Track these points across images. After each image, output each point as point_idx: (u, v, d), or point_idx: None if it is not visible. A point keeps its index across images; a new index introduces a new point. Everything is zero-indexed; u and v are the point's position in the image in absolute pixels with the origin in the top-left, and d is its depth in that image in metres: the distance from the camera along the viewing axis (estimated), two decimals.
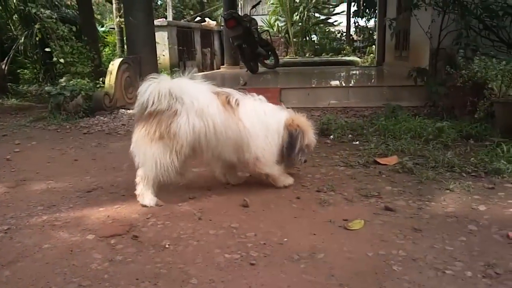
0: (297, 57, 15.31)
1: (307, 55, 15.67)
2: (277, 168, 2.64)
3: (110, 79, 5.92)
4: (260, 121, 2.53)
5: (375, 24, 13.93)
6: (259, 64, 9.83)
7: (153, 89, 2.38)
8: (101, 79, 6.42)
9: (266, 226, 2.13)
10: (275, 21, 17.79)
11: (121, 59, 6.28)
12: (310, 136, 2.69)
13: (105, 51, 10.10)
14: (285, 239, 1.99)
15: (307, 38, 17.05)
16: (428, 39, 5.36)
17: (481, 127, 3.70)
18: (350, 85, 7.15)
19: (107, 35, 11.03)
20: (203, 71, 12.29)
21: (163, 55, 10.76)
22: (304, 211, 2.31)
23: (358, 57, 13.58)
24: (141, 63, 6.60)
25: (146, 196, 2.46)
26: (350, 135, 4.01)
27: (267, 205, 2.40)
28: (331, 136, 3.99)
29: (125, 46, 8.43)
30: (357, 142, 3.76)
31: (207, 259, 1.82)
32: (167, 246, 1.95)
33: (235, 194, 2.59)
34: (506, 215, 2.18)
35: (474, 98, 3.85)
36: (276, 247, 1.92)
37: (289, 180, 2.73)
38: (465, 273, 1.66)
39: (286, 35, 17.05)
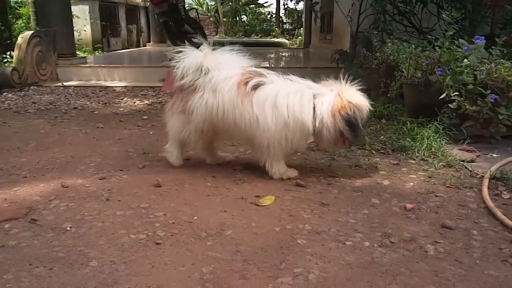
0: (226, 37, 15.18)
1: (236, 35, 15.57)
2: (282, 164, 2.46)
3: (18, 54, 5.46)
4: (278, 114, 2.29)
5: (303, 7, 14.14)
6: (186, 42, 9.60)
7: (187, 61, 2.44)
8: (8, 53, 5.90)
9: (177, 205, 2.09)
10: (204, 0, 17.44)
11: (31, 32, 5.80)
12: (365, 107, 2.39)
13: (17, 23, 9.27)
14: (195, 218, 1.96)
15: (237, 18, 16.95)
16: (349, 23, 5.54)
17: (392, 107, 3.92)
18: (275, 66, 7.20)
19: (20, 6, 10.12)
20: (129, 48, 11.77)
21: (84, 31, 10.14)
22: (217, 189, 2.30)
23: (287, 39, 13.74)
24: (56, 38, 6.14)
25: (172, 155, 2.62)
26: None
27: (181, 185, 2.36)
28: None
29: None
30: None
31: (110, 241, 1.75)
32: (68, 228, 1.84)
33: (148, 174, 2.51)
34: (406, 189, 2.33)
35: (387, 80, 4.04)
36: (185, 225, 1.89)
37: (291, 173, 2.48)
38: (363, 243, 1.74)
39: (216, 15, 16.80)
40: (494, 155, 2.81)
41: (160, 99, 5.00)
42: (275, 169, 2.44)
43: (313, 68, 6.34)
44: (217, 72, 2.42)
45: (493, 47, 3.35)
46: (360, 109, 2.34)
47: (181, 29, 8.92)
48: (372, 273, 1.54)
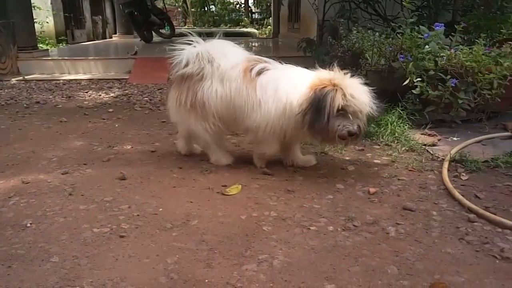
0: (195, 27, 15.00)
1: (205, 25, 15.41)
2: (273, 149, 2.38)
3: None
4: (278, 98, 2.21)
5: None
6: (153, 34, 9.43)
7: (190, 50, 2.39)
8: None
9: (142, 198, 2.06)
10: None
11: None
12: (356, 97, 2.07)
13: None
14: (160, 209, 1.94)
15: (206, 8, 16.75)
16: (315, 12, 5.56)
17: None
18: None
19: None
20: (94, 40, 11.48)
21: (47, 22, 9.81)
22: (184, 181, 2.28)
23: (256, 29, 13.70)
24: (15, 30, 5.92)
25: (179, 143, 2.69)
26: None
27: (146, 177, 2.33)
28: None
29: None
30: None
31: (73, 236, 1.71)
32: (28, 225, 1.80)
33: (113, 167, 2.47)
34: (370, 173, 2.38)
35: (353, 68, 4.08)
36: (150, 217, 1.87)
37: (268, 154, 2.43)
38: (327, 228, 1.77)
39: (184, 5, 16.56)
40: (455, 138, 2.90)
41: (127, 91, 4.91)
42: (264, 151, 2.40)
43: (282, 57, 6.36)
44: (224, 60, 2.36)
45: (453, 33, 3.44)
46: (337, 93, 2.05)
47: (147, 20, 8.78)
48: (335, 256, 1.57)
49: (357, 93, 2.09)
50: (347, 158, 2.62)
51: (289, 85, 2.22)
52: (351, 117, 2.10)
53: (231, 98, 2.31)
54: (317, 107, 2.07)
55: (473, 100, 3.04)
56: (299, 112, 2.12)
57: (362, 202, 2.02)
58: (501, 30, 3.82)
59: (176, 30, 10.25)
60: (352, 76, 2.17)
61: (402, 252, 1.59)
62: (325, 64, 4.60)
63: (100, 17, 12.32)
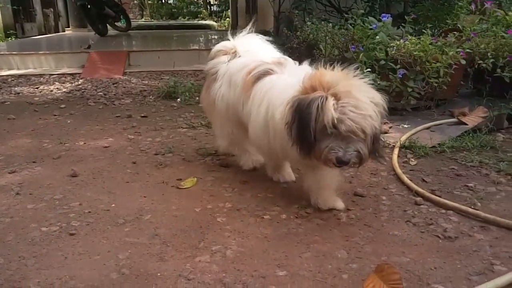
0: (152, 20, 14.70)
1: (163, 18, 15.13)
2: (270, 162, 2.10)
3: None
4: (259, 103, 1.85)
5: None
6: (108, 27, 9.17)
7: (216, 46, 2.28)
8: None
9: (94, 194, 2.02)
10: None
11: None
12: (356, 108, 1.48)
13: None
14: (113, 205, 1.91)
15: (163, 0, 16.43)
16: (271, 3, 5.58)
17: None
18: (201, 48, 7.11)
19: None
20: (46, 34, 11.03)
21: None
22: (138, 175, 2.25)
23: (215, 21, 13.60)
24: None
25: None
26: (197, 98, 4.00)
27: (99, 173, 2.28)
28: (178, 99, 3.95)
29: None
30: None
31: (19, 236, 1.66)
32: None
33: (64, 164, 2.40)
34: None
35: (308, 59, 4.14)
36: (102, 214, 1.83)
37: (285, 177, 2.13)
38: (281, 216, 1.80)
39: None
40: (405, 125, 3.00)
41: (80, 86, 4.76)
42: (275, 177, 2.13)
43: None
44: (237, 60, 2.12)
45: (403, 24, 3.55)
46: (327, 101, 1.50)
47: (101, 12, 8.51)
48: (288, 244, 1.60)
49: (358, 102, 1.49)
50: None
51: (275, 91, 1.78)
52: (346, 137, 1.51)
53: (236, 108, 2.04)
54: (301, 121, 1.54)
55: (422, 88, 3.15)
56: (285, 125, 1.62)
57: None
58: (447, 21, 3.97)
59: (132, 23, 10.02)
60: (358, 75, 1.63)
61: (352, 237, 1.64)
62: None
63: (52, 9, 11.84)
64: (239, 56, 2.14)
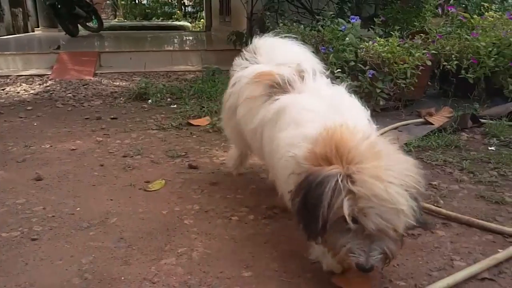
0: (125, 20, 14.50)
1: (136, 19, 14.95)
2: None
3: None
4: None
5: None
6: (80, 27, 9.00)
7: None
8: None
9: (59, 198, 1.97)
10: None
11: None
12: (384, 200, 1.09)
13: None
14: (78, 209, 1.87)
15: (137, 1, 16.23)
16: (244, 5, 5.59)
17: None
18: (174, 49, 7.06)
19: None
20: (15, 34, 10.72)
21: None
22: (105, 178, 2.21)
23: (189, 22, 13.52)
24: None
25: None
26: (169, 99, 3.98)
27: (65, 176, 2.23)
28: (149, 101, 3.90)
29: None
30: (175, 106, 3.76)
31: None
32: None
33: (29, 168, 2.34)
34: None
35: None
36: (66, 218, 1.79)
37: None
38: (249, 217, 1.80)
39: None
40: (374, 126, 3.05)
41: (48, 87, 4.64)
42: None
43: (213, 50, 6.35)
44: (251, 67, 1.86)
45: (372, 26, 3.61)
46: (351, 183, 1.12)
47: (72, 12, 8.34)
48: (255, 244, 1.60)
49: (390, 191, 1.08)
50: None
51: (287, 123, 1.44)
52: (370, 235, 1.13)
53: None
54: (307, 202, 1.15)
55: (390, 89, 3.22)
56: (289, 192, 1.27)
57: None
58: (415, 23, 4.07)
59: (104, 23, 9.86)
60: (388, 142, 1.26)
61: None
62: None
63: (21, 9, 11.50)
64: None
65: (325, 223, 1.13)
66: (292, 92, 1.56)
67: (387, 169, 1.11)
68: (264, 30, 4.59)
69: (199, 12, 14.54)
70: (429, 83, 3.79)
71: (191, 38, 9.06)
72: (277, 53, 1.87)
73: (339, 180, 1.11)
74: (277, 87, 1.60)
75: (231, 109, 1.90)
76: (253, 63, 1.89)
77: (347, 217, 1.10)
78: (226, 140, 2.79)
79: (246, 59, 1.94)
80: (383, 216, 1.09)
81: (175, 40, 8.76)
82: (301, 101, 1.48)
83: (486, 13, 3.73)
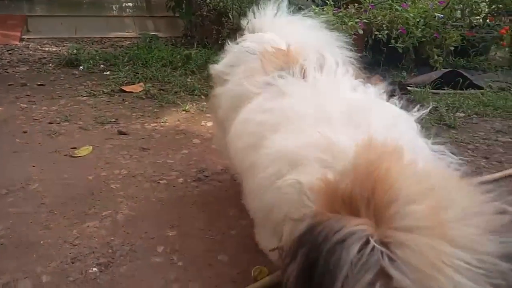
0: None
1: None
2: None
3: None
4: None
5: None
6: None
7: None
8: None
9: None
10: None
11: None
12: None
13: None
14: None
15: None
16: None
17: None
18: (110, 15, 6.71)
19: None
20: None
21: None
22: (28, 145, 2.11)
23: None
24: None
25: None
26: (102, 66, 3.81)
27: None
28: (81, 67, 3.72)
29: None
30: (108, 72, 3.61)
31: None
32: None
33: None
34: None
35: (219, 27, 4.11)
36: None
37: None
38: (178, 180, 1.80)
39: None
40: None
41: None
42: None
43: (151, 17, 6.12)
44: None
45: None
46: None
47: None
48: (182, 206, 1.61)
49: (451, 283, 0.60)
50: (208, 115, 2.66)
51: (281, 141, 0.93)
52: None
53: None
54: (312, 272, 0.67)
55: None
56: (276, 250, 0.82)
57: (216, 155, 2.07)
58: None
59: None
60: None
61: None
62: (193, 24, 4.53)
63: None
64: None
65: None
66: (302, 81, 1.10)
67: (453, 239, 0.62)
68: None
69: None
70: (363, 52, 3.91)
71: (128, 3, 8.64)
72: (293, 32, 1.43)
73: (369, 249, 0.64)
74: (284, 69, 1.13)
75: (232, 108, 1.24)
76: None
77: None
78: (162, 107, 2.76)
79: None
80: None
81: (111, 6, 8.32)
82: (314, 96, 1.02)
83: None
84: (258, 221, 1.06)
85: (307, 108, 0.97)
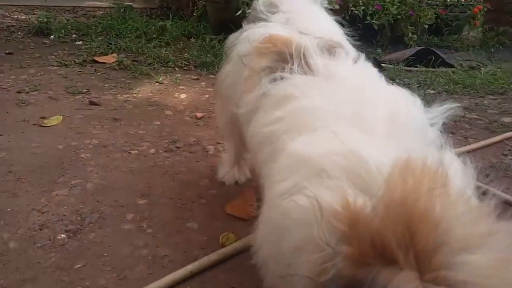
0: None
1: None
2: None
3: None
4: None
5: None
6: None
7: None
8: None
9: None
10: None
11: None
12: None
13: None
14: None
15: None
16: None
17: (200, 25, 3.97)
18: None
19: None
20: None
21: None
22: None
23: None
24: None
25: None
26: (74, 35, 3.71)
27: None
28: (51, 36, 3.62)
29: None
30: (80, 42, 3.51)
31: None
32: None
33: None
34: (201, 100, 2.45)
35: None
36: None
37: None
38: (149, 151, 1.80)
39: None
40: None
41: None
42: None
43: None
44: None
45: None
46: None
47: None
48: (152, 176, 1.62)
49: None
50: (181, 87, 2.64)
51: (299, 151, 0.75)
52: None
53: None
54: None
55: None
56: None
57: (188, 126, 2.08)
58: None
59: None
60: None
61: (217, 166, 1.71)
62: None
63: None
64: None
65: None
66: (311, 74, 0.95)
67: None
68: None
69: None
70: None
71: None
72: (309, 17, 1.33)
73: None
74: (289, 61, 0.99)
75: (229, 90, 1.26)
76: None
77: None
78: (135, 78, 2.72)
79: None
80: None
81: None
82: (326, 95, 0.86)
83: None
84: (264, 244, 0.75)
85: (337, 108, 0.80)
